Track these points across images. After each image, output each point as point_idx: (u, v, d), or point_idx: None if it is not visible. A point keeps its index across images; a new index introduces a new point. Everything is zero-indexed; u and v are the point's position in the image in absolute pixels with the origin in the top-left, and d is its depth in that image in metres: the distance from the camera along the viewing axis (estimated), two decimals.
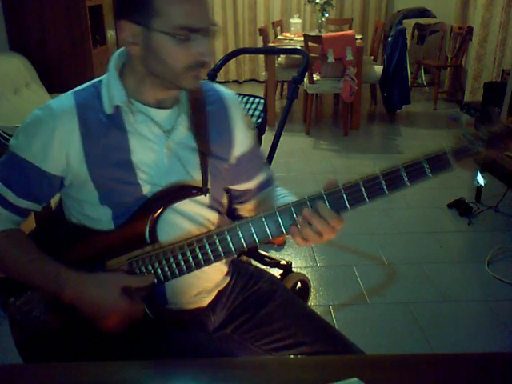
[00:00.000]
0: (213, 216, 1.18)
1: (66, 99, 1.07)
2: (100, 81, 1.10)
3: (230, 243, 1.04)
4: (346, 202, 1.01)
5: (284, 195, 1.22)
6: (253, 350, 1.21)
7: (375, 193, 1.00)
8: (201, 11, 0.98)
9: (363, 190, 1.00)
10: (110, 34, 4.19)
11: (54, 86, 3.51)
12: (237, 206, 1.31)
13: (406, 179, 1.00)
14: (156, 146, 1.08)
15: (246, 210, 1.30)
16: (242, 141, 1.21)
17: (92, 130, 1.05)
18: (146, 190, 1.08)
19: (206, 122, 1.13)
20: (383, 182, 1.00)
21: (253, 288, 1.27)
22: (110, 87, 1.07)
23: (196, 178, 1.11)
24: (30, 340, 1.13)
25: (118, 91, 1.06)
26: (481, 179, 0.96)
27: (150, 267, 1.06)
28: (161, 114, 1.09)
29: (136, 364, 0.94)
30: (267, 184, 1.28)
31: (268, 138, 2.00)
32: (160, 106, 1.09)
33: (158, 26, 0.97)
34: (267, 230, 1.03)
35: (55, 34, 3.52)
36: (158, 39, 0.98)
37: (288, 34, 5.59)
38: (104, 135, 1.05)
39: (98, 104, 1.06)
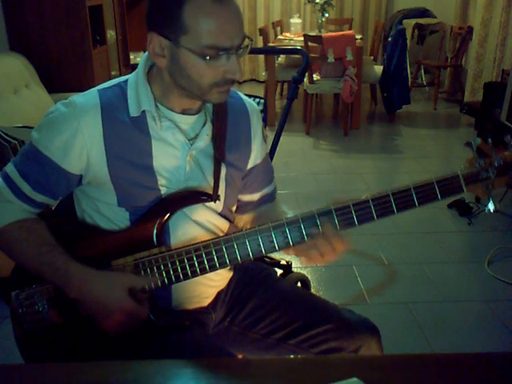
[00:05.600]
0: (222, 224, 1.18)
1: (92, 97, 1.05)
2: (126, 81, 1.08)
3: (237, 251, 1.04)
4: (355, 218, 1.02)
5: (286, 212, 1.21)
6: (252, 337, 1.23)
7: (384, 211, 1.02)
8: (232, 29, 0.96)
9: (372, 207, 1.02)
10: (110, 33, 4.18)
11: (54, 85, 3.51)
12: (236, 215, 1.30)
13: (415, 200, 1.02)
14: (179, 153, 1.08)
15: (242, 220, 1.30)
16: (257, 152, 1.22)
17: (115, 131, 1.04)
18: (166, 195, 1.08)
19: (225, 129, 1.13)
20: (393, 201, 1.02)
21: (248, 280, 1.28)
22: (138, 90, 1.05)
23: (212, 185, 1.12)
24: (30, 336, 1.12)
25: (146, 96, 1.05)
26: (491, 206, 0.97)
27: (155, 269, 1.06)
28: (186, 120, 1.09)
29: (136, 364, 0.94)
30: (269, 198, 1.29)
31: (268, 138, 2.00)
32: (185, 112, 1.09)
33: (186, 43, 0.95)
34: (274, 240, 1.03)
35: (55, 34, 3.51)
36: (185, 56, 0.97)
37: (288, 34, 5.59)
38: (127, 137, 1.05)
39: (123, 105, 1.05)
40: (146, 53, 1.07)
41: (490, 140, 1.03)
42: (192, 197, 1.10)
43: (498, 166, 1.02)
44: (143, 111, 1.05)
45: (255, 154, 1.21)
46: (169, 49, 0.98)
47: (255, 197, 1.27)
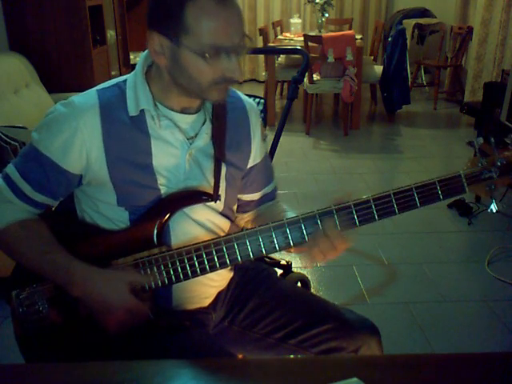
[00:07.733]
0: (223, 223, 1.18)
1: (90, 97, 1.06)
2: (125, 81, 1.09)
3: (237, 251, 1.04)
4: (356, 219, 1.02)
5: (286, 211, 1.22)
6: (252, 336, 1.23)
7: (385, 211, 1.02)
8: (232, 29, 0.96)
9: (373, 207, 1.02)
10: (110, 33, 4.18)
11: (54, 85, 3.51)
12: (237, 215, 1.30)
13: (417, 200, 1.01)
14: (178, 152, 1.08)
15: (244, 219, 1.30)
16: (257, 151, 1.22)
17: (114, 131, 1.04)
18: (165, 194, 1.09)
19: (225, 129, 1.13)
20: (394, 201, 1.01)
21: (248, 280, 1.29)
22: (137, 90, 1.05)
23: (213, 184, 1.12)
24: (30, 335, 1.12)
25: (144, 95, 1.05)
26: (494, 207, 0.96)
27: (155, 269, 1.06)
28: (185, 120, 1.09)
29: (136, 364, 0.94)
30: (270, 197, 1.29)
31: (268, 138, 2.00)
32: (185, 111, 1.09)
33: (187, 42, 0.96)
34: (275, 241, 1.03)
35: (55, 34, 3.51)
36: (185, 55, 0.97)
37: (288, 34, 5.59)
38: (126, 137, 1.05)
39: (122, 105, 1.05)
40: (145, 52, 1.07)
41: (492, 139, 1.02)
42: (193, 197, 1.10)
43: (501, 166, 1.01)
44: (142, 110, 1.05)
45: (255, 154, 1.22)
46: (169, 48, 0.98)
47: (256, 196, 1.27)
